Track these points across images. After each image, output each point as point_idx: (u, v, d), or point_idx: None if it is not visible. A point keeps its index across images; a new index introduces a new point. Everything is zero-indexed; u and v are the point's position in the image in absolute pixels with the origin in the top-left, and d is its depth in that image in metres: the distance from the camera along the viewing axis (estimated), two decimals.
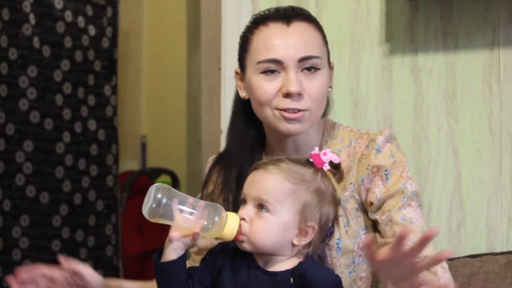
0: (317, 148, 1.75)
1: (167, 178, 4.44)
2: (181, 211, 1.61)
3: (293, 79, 1.72)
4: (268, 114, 1.76)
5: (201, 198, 1.87)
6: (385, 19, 2.25)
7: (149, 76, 4.78)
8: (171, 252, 1.63)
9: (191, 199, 1.63)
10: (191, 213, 1.62)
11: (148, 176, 4.42)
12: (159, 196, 1.60)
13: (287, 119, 1.74)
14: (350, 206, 1.77)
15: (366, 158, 1.77)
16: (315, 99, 1.74)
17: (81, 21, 3.91)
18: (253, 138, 1.86)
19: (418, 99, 2.21)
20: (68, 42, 3.84)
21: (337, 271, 1.74)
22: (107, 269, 3.99)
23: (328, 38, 2.28)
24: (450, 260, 2.02)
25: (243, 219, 1.65)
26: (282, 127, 1.75)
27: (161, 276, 1.65)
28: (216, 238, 1.67)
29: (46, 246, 3.71)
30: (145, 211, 1.62)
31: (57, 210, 3.78)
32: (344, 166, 1.78)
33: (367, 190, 1.76)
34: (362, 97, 2.26)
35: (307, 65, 1.74)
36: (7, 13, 3.54)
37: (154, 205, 1.60)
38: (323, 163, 1.72)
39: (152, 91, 4.77)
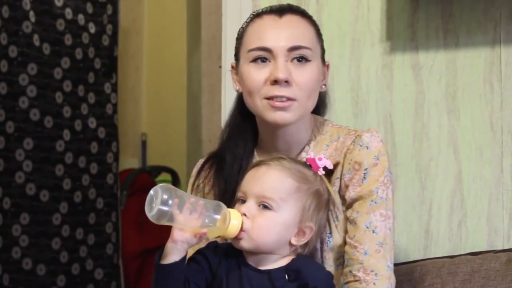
0: (312, 153, 1.77)
1: (168, 176, 4.44)
2: (183, 211, 1.58)
3: (281, 66, 1.75)
4: (257, 104, 1.78)
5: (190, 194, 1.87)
6: (385, 16, 2.25)
7: (149, 74, 4.77)
8: (175, 254, 1.60)
9: (192, 198, 1.61)
10: (192, 213, 1.59)
11: (148, 174, 4.41)
12: (166, 197, 1.56)
13: (274, 108, 1.76)
14: (337, 200, 1.79)
15: (351, 153, 1.80)
16: (304, 88, 1.76)
17: (81, 18, 3.91)
18: (246, 134, 1.88)
19: (419, 97, 2.21)
20: (68, 39, 3.84)
21: (326, 265, 1.77)
22: (107, 267, 3.99)
23: (328, 36, 2.28)
24: (451, 257, 2.03)
25: (244, 215, 1.64)
26: (269, 117, 1.77)
27: (162, 278, 1.62)
28: (218, 236, 1.66)
29: (46, 244, 3.70)
30: (151, 214, 1.56)
31: (57, 208, 3.77)
32: (331, 160, 1.79)
33: (346, 187, 1.78)
34: (363, 95, 2.26)
35: (297, 55, 1.77)
36: (7, 11, 3.53)
37: (162, 207, 1.55)
38: (318, 167, 1.74)
39: (152, 89, 4.77)
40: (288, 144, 1.83)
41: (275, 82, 1.74)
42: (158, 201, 1.56)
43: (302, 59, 1.77)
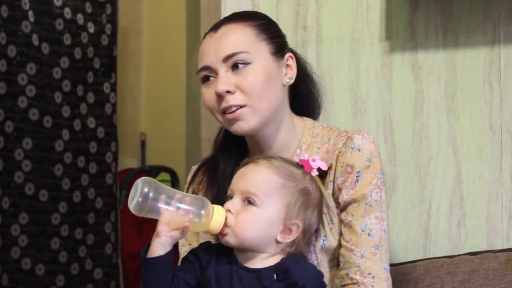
0: (306, 155, 1.78)
1: (167, 176, 4.44)
2: (168, 205, 1.62)
3: (219, 80, 1.76)
4: (219, 120, 1.81)
5: None
6: (385, 16, 2.25)
7: (148, 74, 4.77)
8: (159, 248, 1.65)
9: (178, 194, 1.64)
10: (177, 207, 1.62)
11: (147, 173, 4.41)
12: (146, 190, 1.60)
13: (230, 121, 1.77)
14: (331, 203, 1.79)
15: (343, 155, 1.79)
16: (249, 92, 1.76)
17: (80, 18, 3.91)
18: (240, 141, 1.88)
19: (418, 96, 2.21)
20: (67, 39, 3.84)
21: (320, 267, 1.77)
22: (106, 267, 3.99)
23: (327, 36, 2.29)
24: (450, 257, 2.02)
25: (228, 211, 1.66)
26: (231, 129, 1.80)
27: (148, 272, 1.65)
28: (205, 231, 1.68)
29: (45, 244, 3.70)
30: (131, 205, 1.62)
31: (56, 208, 3.77)
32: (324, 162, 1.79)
33: (339, 190, 1.78)
34: (362, 94, 2.26)
35: (233, 62, 1.77)
36: (6, 10, 3.53)
37: (140, 200, 1.60)
38: (311, 168, 1.74)
39: (151, 88, 4.77)
40: (273, 149, 1.83)
41: (220, 96, 1.76)
42: (138, 193, 1.60)
43: (240, 64, 1.76)
